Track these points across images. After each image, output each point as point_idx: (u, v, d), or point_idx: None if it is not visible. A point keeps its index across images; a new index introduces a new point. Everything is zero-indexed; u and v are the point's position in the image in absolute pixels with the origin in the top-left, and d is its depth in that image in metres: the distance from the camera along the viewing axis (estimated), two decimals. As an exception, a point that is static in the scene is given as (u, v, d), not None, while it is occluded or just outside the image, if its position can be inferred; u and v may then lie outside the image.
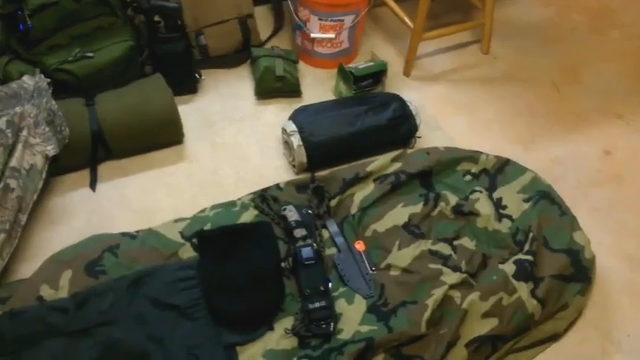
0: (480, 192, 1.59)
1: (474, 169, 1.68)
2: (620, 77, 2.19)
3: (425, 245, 1.48)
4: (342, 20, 1.99)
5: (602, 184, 1.80)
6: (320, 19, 1.98)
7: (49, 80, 1.60)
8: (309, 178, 1.65)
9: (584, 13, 2.48)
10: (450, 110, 2.00)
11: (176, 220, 1.51)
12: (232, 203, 1.57)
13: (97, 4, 1.76)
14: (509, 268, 1.41)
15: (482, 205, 1.55)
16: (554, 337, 1.40)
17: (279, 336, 1.30)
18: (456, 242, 1.50)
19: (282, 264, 1.42)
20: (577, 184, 1.79)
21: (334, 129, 1.73)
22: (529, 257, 1.42)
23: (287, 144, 1.76)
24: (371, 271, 1.44)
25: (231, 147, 1.82)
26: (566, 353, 1.39)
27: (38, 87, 1.56)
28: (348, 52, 2.12)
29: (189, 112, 1.89)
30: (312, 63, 2.13)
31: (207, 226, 1.48)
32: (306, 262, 1.40)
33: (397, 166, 1.66)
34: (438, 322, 1.33)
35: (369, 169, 1.65)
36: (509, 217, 1.55)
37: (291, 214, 1.50)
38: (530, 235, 1.47)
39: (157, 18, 1.85)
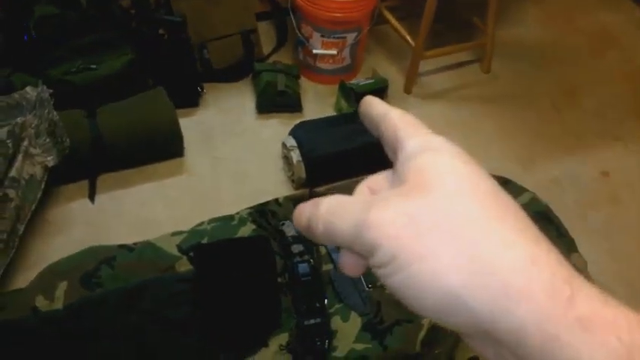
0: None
1: (473, 188, 1.68)
2: (619, 99, 2.21)
3: (422, 263, 1.48)
4: (345, 37, 2.01)
5: (600, 205, 1.81)
6: (322, 36, 2.00)
7: (51, 91, 1.61)
8: (307, 194, 1.65)
9: (584, 36, 2.50)
10: (450, 128, 2.01)
11: (173, 233, 1.51)
12: (230, 217, 1.57)
13: (101, 17, 1.78)
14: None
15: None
16: (550, 359, 1.39)
17: (274, 352, 1.29)
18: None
19: (279, 279, 1.42)
20: (575, 205, 1.80)
21: (334, 145, 1.74)
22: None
23: (286, 159, 1.77)
24: (367, 289, 1.44)
25: (231, 161, 1.82)
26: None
27: (40, 98, 1.57)
28: (350, 68, 2.14)
29: (190, 125, 1.90)
30: (314, 78, 2.14)
31: (205, 240, 1.48)
32: (303, 278, 1.40)
33: (396, 183, 1.67)
34: (433, 342, 1.32)
35: (367, 185, 1.65)
36: (506, 236, 1.55)
37: (289, 230, 1.50)
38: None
39: (160, 31, 1.87)
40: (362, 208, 0.26)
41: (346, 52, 2.07)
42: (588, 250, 1.57)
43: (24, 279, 1.41)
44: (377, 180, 0.31)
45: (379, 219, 0.25)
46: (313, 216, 0.28)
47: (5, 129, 1.44)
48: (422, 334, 1.30)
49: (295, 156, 1.70)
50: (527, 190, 1.66)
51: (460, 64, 2.29)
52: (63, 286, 1.33)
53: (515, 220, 0.25)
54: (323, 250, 1.52)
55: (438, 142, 0.28)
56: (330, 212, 0.28)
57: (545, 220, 1.57)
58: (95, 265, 1.38)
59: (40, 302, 1.30)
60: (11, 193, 1.40)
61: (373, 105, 0.33)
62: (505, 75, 2.26)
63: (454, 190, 0.25)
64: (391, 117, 0.31)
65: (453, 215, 0.24)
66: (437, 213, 0.25)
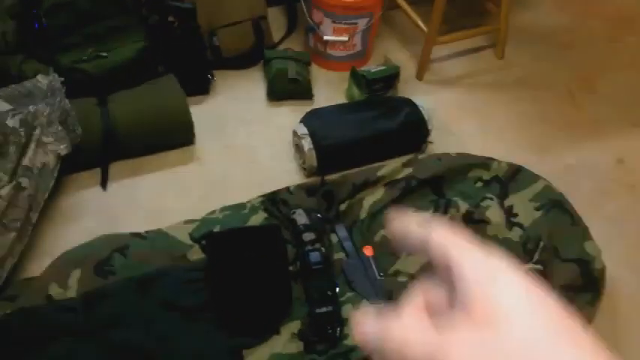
0: (492, 199, 1.58)
1: (486, 176, 1.66)
2: (637, 85, 2.16)
3: (434, 252, 1.47)
4: (356, 23, 1.99)
5: (616, 193, 1.78)
6: (333, 22, 1.98)
7: (62, 79, 1.61)
8: (319, 182, 1.64)
9: (600, 20, 2.45)
10: (463, 115, 1.99)
11: (186, 222, 1.51)
12: (242, 205, 1.57)
13: (111, 4, 1.78)
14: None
15: (493, 213, 1.54)
16: (563, 348, 1.39)
17: (286, 340, 1.29)
18: (465, 250, 1.49)
19: (290, 267, 1.42)
20: (589, 193, 1.77)
21: (345, 133, 1.72)
22: (538, 267, 1.40)
23: (298, 147, 1.76)
24: (379, 277, 1.44)
25: (242, 149, 1.82)
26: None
27: (52, 86, 1.57)
28: (361, 55, 2.12)
29: (201, 113, 1.89)
30: (325, 65, 2.12)
31: (217, 228, 1.49)
32: (314, 267, 1.40)
33: (408, 171, 1.65)
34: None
35: (379, 173, 1.64)
36: (519, 225, 1.53)
37: (301, 218, 1.50)
38: (541, 244, 1.46)
39: (170, 18, 1.86)
40: (436, 339, 0.28)
41: (357, 39, 2.04)
42: (602, 238, 1.55)
43: (37, 267, 1.42)
44: (435, 296, 0.32)
45: (455, 353, 0.27)
46: (385, 344, 0.29)
47: (17, 117, 1.44)
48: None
49: (307, 144, 1.69)
50: (541, 178, 1.65)
51: (473, 50, 2.25)
52: (76, 274, 1.34)
53: (587, 347, 0.26)
54: (335, 239, 1.52)
55: (498, 265, 0.30)
56: (404, 341, 0.29)
57: (559, 208, 1.55)
58: (108, 254, 1.39)
59: (54, 290, 1.31)
60: (25, 181, 1.41)
61: (407, 227, 0.33)
62: (519, 61, 2.23)
63: (529, 325, 0.26)
64: (436, 237, 0.31)
65: (531, 353, 0.26)
66: (513, 350, 0.26)
